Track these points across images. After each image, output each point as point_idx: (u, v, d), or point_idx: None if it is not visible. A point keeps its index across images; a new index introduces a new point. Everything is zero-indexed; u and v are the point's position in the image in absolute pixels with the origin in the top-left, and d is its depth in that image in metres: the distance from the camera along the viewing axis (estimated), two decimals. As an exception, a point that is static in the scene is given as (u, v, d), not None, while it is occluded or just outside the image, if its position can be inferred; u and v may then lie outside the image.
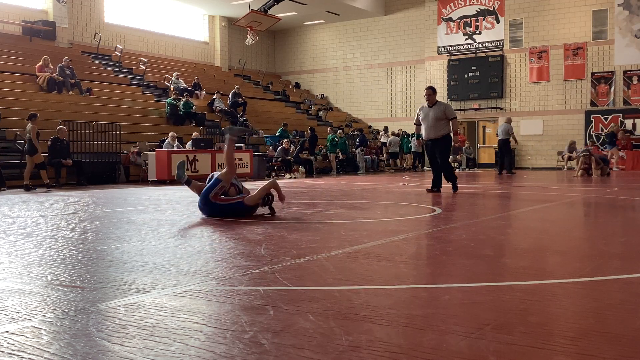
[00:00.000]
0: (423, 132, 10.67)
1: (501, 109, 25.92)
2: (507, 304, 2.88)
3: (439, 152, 10.53)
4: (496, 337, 2.37)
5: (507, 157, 19.35)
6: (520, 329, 2.48)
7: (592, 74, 24.18)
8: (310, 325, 2.52)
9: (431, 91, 10.54)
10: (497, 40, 25.86)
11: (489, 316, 2.67)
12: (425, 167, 25.96)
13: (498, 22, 25.82)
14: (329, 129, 22.53)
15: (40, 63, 18.12)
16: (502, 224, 6.22)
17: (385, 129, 27.16)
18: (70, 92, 18.25)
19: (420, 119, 10.67)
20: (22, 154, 13.24)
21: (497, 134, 19.68)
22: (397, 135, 25.83)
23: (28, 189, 12.28)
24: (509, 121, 19.88)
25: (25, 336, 2.41)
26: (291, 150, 19.57)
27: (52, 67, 18.25)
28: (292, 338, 2.36)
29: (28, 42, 20.95)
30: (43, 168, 12.87)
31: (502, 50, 25.82)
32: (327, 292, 3.17)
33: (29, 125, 12.67)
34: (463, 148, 24.73)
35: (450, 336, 2.38)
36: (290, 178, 18.17)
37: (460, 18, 26.62)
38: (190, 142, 16.39)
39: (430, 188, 10.70)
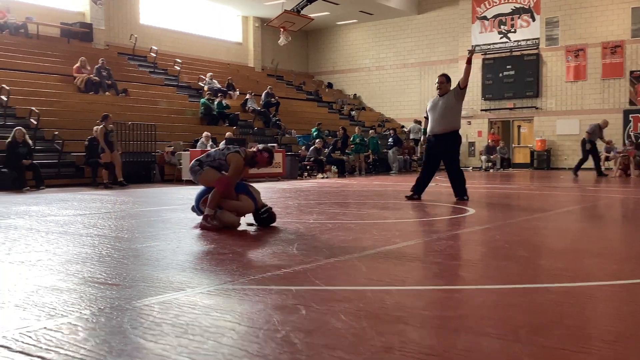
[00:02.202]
0: (429, 124, 8.85)
1: (537, 108, 25.51)
2: (543, 306, 2.84)
3: (446, 154, 8.72)
4: (531, 339, 2.33)
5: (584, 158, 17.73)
6: (556, 331, 2.44)
7: (631, 72, 23.60)
8: (343, 325, 2.52)
9: (444, 79, 8.77)
10: (533, 39, 25.44)
11: (524, 318, 2.63)
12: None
13: (534, 20, 25.40)
14: (356, 128, 22.42)
15: (77, 64, 18.48)
16: (537, 225, 6.12)
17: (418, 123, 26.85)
18: (107, 93, 18.57)
19: (427, 110, 8.95)
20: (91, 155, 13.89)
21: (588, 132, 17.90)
22: (418, 122, 25.85)
23: (106, 186, 13.05)
24: (605, 124, 18.03)
25: (62, 332, 2.46)
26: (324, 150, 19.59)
27: (89, 68, 18.60)
28: (324, 338, 2.36)
29: (66, 43, 21.39)
30: (106, 168, 13.39)
31: (537, 48, 25.40)
32: (359, 292, 3.16)
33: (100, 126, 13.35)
34: (497, 148, 24.40)
35: (484, 338, 2.35)
36: (322, 178, 18.20)
37: (495, 16, 26.27)
38: (223, 142, 16.53)
39: (410, 195, 8.93)
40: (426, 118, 9.12)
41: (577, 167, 17.74)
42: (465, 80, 8.54)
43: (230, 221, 5.80)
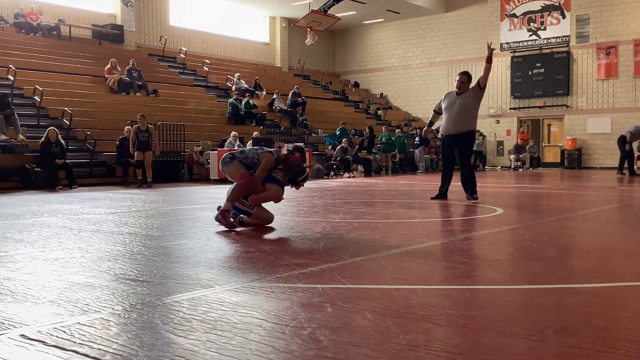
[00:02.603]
0: (443, 123, 8.62)
1: (567, 106, 25.14)
2: (571, 307, 2.82)
3: (459, 152, 8.52)
4: (558, 339, 2.32)
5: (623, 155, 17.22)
6: (583, 332, 2.43)
7: (665, 70, 23.11)
8: (368, 323, 2.54)
9: (465, 77, 8.41)
10: (563, 36, 25.08)
11: (552, 318, 2.62)
12: (487, 167, 25.43)
13: (564, 17, 25.03)
14: (383, 128, 22.36)
15: (108, 66, 18.78)
16: (566, 225, 6.05)
17: None
18: (138, 94, 18.84)
19: (442, 107, 8.61)
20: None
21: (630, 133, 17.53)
22: None
23: (139, 185, 13.35)
24: None
25: (95, 327, 2.52)
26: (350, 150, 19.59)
27: (119, 69, 18.89)
28: (349, 335, 2.38)
29: (97, 45, 21.76)
30: (137, 167, 13.60)
31: (568, 46, 25.02)
32: (385, 290, 3.17)
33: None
34: (527, 147, 24.11)
35: (510, 338, 2.35)
36: (349, 177, 18.20)
37: (524, 14, 25.96)
38: (250, 142, 16.64)
39: (436, 195, 8.84)
40: (436, 112, 8.89)
41: (621, 166, 17.33)
42: (485, 79, 8.30)
43: (264, 217, 5.90)
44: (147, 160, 13.59)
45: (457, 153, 8.53)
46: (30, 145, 13.52)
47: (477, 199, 8.53)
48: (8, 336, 2.41)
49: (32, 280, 3.47)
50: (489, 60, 8.27)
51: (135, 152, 13.46)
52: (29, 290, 3.23)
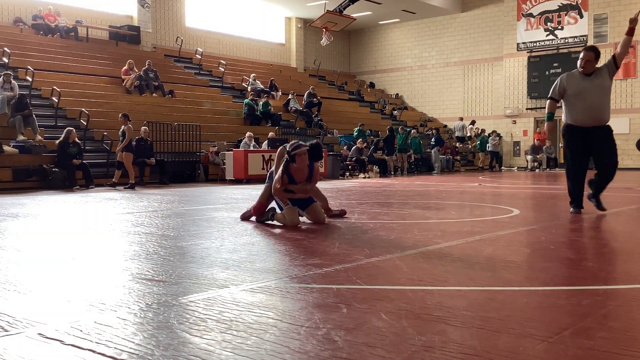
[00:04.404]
0: (575, 115, 6.76)
1: (584, 106, 24.88)
2: (588, 308, 2.79)
3: (608, 148, 6.68)
4: (575, 341, 2.30)
5: None
6: (601, 334, 2.40)
7: (685, 69, 22.81)
8: (383, 324, 2.54)
9: (593, 55, 6.61)
10: (580, 36, 24.88)
11: (568, 320, 2.60)
12: (503, 167, 25.24)
13: (581, 17, 24.81)
14: (399, 128, 22.33)
15: (125, 67, 18.93)
16: (584, 226, 6.00)
17: (472, 122, 27.06)
18: (154, 94, 18.97)
19: (568, 93, 6.77)
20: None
21: None
22: (462, 119, 26.75)
23: (113, 185, 13.21)
24: None
25: (111, 327, 2.54)
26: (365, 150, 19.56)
27: (136, 70, 19.02)
28: (364, 336, 2.38)
29: (114, 46, 21.95)
30: (118, 167, 13.33)
31: (585, 45, 24.75)
32: (400, 291, 3.16)
33: None
34: (544, 147, 23.92)
35: (526, 340, 2.33)
36: (364, 178, 18.18)
37: (541, 13, 25.78)
38: (266, 142, 16.68)
39: (576, 209, 7.00)
40: (555, 100, 7.14)
41: None
42: (622, 55, 6.75)
43: (290, 221, 5.99)
44: (123, 160, 13.13)
45: (605, 150, 6.73)
46: (48, 146, 13.67)
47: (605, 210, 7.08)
48: (26, 335, 2.44)
49: (50, 279, 3.51)
50: (630, 33, 6.71)
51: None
52: (46, 289, 3.27)
